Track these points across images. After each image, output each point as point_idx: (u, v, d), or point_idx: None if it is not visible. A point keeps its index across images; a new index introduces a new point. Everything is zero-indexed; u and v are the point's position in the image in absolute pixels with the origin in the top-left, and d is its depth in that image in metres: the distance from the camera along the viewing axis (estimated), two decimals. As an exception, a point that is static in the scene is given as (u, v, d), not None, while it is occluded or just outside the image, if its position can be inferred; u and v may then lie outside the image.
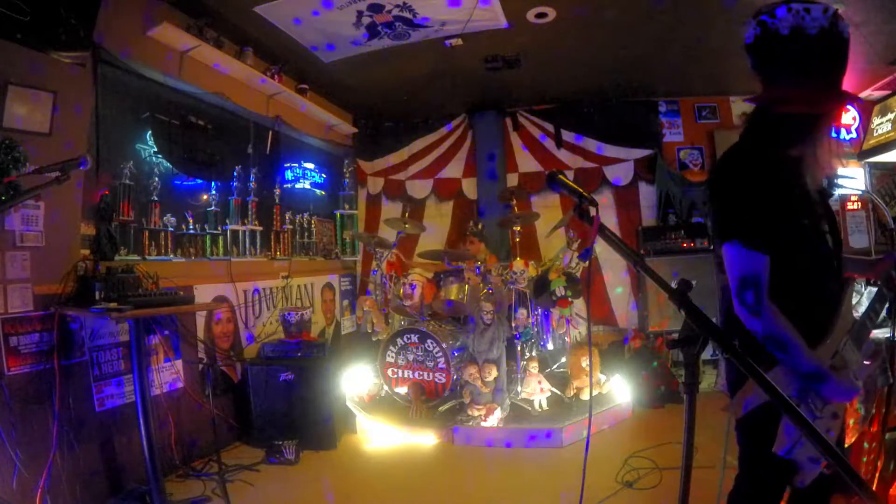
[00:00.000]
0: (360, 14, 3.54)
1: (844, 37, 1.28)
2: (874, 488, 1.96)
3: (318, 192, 5.32)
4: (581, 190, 1.16)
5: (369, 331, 4.38)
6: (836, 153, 1.37)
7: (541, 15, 3.59)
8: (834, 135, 1.38)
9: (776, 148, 1.33)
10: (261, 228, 4.20)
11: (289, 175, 4.92)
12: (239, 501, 2.71)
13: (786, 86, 1.31)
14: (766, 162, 1.31)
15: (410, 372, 3.88)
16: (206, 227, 3.84)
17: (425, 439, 3.54)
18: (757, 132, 1.39)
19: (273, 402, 3.50)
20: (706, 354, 4.56)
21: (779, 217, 1.29)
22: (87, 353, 2.67)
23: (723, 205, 1.36)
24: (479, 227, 4.67)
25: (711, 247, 4.59)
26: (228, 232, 3.98)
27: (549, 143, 5.42)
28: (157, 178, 3.39)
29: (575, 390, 3.86)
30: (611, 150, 5.26)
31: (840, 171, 1.45)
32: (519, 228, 4.37)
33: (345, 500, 2.82)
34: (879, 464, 2.05)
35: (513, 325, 4.02)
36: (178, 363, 3.23)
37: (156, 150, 3.46)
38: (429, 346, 3.82)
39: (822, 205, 1.41)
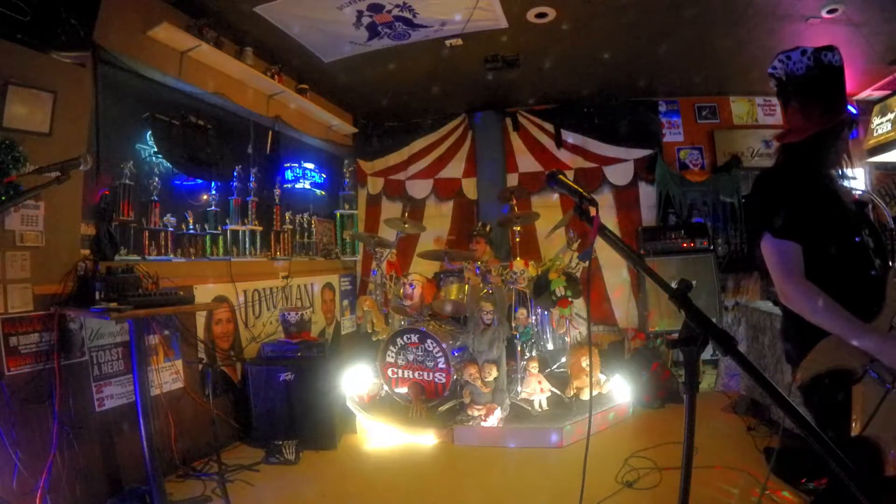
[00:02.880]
0: (360, 14, 3.54)
1: (835, 66, 1.50)
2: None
3: (318, 192, 5.32)
4: (581, 190, 1.17)
5: (369, 331, 4.38)
6: (846, 159, 1.57)
7: (541, 15, 3.59)
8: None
9: (798, 165, 1.54)
10: (261, 228, 4.20)
11: (289, 175, 4.92)
12: (239, 501, 2.70)
13: (794, 120, 1.55)
14: (791, 171, 1.53)
15: (410, 372, 3.88)
16: (206, 227, 3.84)
17: (425, 439, 3.54)
18: (781, 158, 1.61)
19: (273, 402, 3.49)
20: (706, 354, 4.57)
21: (805, 208, 1.44)
22: (87, 353, 2.67)
23: (753, 208, 1.58)
24: (488, 228, 4.64)
25: (711, 247, 4.68)
26: (228, 232, 3.98)
27: (549, 143, 5.42)
28: (157, 178, 3.39)
29: (575, 390, 3.86)
30: (611, 150, 5.25)
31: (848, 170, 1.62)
32: (519, 228, 4.37)
33: (345, 500, 2.82)
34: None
35: (513, 325, 4.02)
36: (178, 363, 3.23)
37: (156, 150, 3.46)
38: (429, 346, 3.82)
39: (856, 212, 1.53)
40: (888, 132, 4.56)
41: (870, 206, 1.58)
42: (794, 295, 1.41)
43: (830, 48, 1.52)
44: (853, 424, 1.32)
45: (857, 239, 1.47)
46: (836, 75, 1.52)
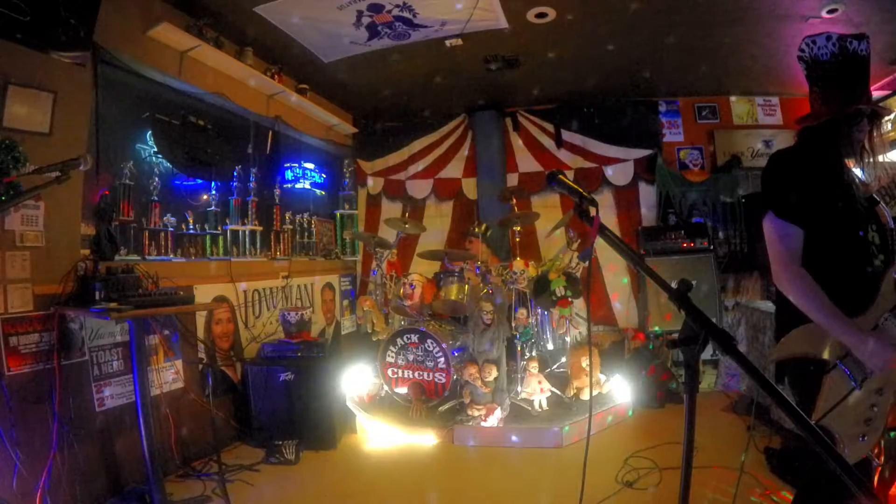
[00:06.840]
0: (360, 14, 3.54)
1: (860, 55, 1.48)
2: (874, 488, 1.96)
3: (318, 192, 5.32)
4: (581, 190, 1.18)
5: (369, 331, 4.38)
6: (867, 151, 1.53)
7: (541, 15, 3.59)
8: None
9: (810, 150, 1.52)
10: (261, 228, 4.21)
11: (289, 175, 4.92)
12: (239, 501, 2.70)
13: (814, 105, 1.53)
14: (803, 155, 1.52)
15: (410, 372, 3.87)
16: (206, 227, 3.84)
17: (425, 439, 3.54)
18: (796, 141, 1.60)
19: (273, 402, 3.49)
20: (706, 354, 4.57)
21: (812, 195, 1.43)
22: (87, 353, 2.67)
23: (763, 185, 1.55)
24: (483, 227, 4.63)
25: (711, 247, 4.69)
26: (228, 232, 3.99)
27: (549, 143, 5.42)
28: (157, 178, 3.39)
29: (575, 390, 3.86)
30: (611, 150, 5.26)
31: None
32: (519, 228, 4.36)
33: (345, 500, 2.82)
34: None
35: (513, 325, 4.02)
36: (178, 363, 3.23)
37: (156, 150, 3.46)
38: (429, 346, 3.81)
39: (866, 206, 1.51)
40: (888, 132, 4.56)
41: (882, 203, 1.56)
42: (786, 279, 1.43)
43: (860, 36, 1.49)
44: (814, 411, 1.35)
45: (860, 233, 1.46)
46: (861, 64, 1.50)
